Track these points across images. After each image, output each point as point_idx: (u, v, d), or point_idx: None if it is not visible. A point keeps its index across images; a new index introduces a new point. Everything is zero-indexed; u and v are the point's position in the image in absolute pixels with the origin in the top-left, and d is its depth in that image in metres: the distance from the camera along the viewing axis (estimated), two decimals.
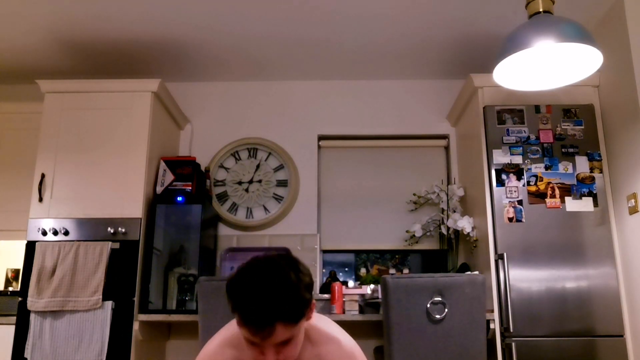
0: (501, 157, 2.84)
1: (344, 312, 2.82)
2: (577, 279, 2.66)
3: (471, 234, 3.05)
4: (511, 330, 2.58)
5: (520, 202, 2.77)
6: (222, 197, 3.51)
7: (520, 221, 2.74)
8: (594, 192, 2.77)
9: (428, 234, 3.35)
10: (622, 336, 2.60)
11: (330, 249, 3.51)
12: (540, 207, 2.76)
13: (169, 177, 3.09)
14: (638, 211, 2.57)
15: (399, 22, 3.06)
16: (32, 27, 3.06)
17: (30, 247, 2.85)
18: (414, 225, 3.32)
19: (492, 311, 2.67)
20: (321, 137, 3.62)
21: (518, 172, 2.81)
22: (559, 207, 2.75)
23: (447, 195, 3.30)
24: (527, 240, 2.72)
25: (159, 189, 3.07)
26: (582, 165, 2.81)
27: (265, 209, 3.49)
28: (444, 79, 3.67)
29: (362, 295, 2.91)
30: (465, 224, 3.05)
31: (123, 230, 2.87)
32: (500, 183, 2.81)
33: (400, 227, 3.47)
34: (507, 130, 2.88)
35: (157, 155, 3.15)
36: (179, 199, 3.04)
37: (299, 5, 2.88)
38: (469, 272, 2.97)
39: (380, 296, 2.69)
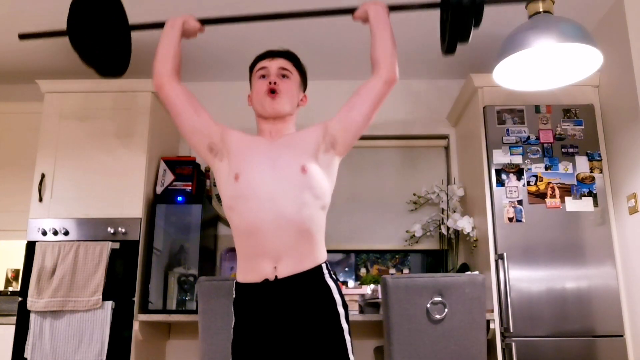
0: (501, 157, 2.84)
1: None
2: (577, 279, 2.66)
3: (471, 234, 3.05)
4: (511, 330, 2.58)
5: (520, 202, 2.77)
6: None
7: (520, 221, 2.74)
8: (594, 192, 2.77)
9: (428, 234, 3.34)
10: (622, 336, 2.60)
11: (330, 249, 3.49)
12: (540, 207, 2.76)
13: (169, 177, 3.09)
14: (638, 211, 2.57)
15: (399, 22, 3.06)
16: (32, 27, 3.05)
17: (30, 247, 2.85)
18: (414, 225, 3.31)
19: (492, 311, 2.67)
20: None
21: (518, 172, 2.81)
22: (559, 207, 2.75)
23: (447, 195, 3.30)
24: (527, 240, 2.72)
25: (159, 189, 3.07)
26: (582, 165, 2.81)
27: None
28: (444, 79, 3.67)
29: (362, 295, 2.91)
30: (465, 224, 3.05)
31: (123, 230, 2.87)
32: (500, 183, 2.81)
33: (400, 227, 3.46)
34: (507, 130, 2.88)
35: (157, 155, 3.15)
36: (179, 199, 3.04)
37: (298, 5, 2.88)
38: (469, 272, 2.97)
39: (380, 296, 2.69)
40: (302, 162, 1.66)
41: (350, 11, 1.84)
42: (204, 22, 1.89)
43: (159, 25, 1.90)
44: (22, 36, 1.90)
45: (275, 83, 1.74)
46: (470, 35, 1.76)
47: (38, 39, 1.98)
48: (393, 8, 1.83)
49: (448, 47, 1.82)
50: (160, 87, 1.77)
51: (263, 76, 1.78)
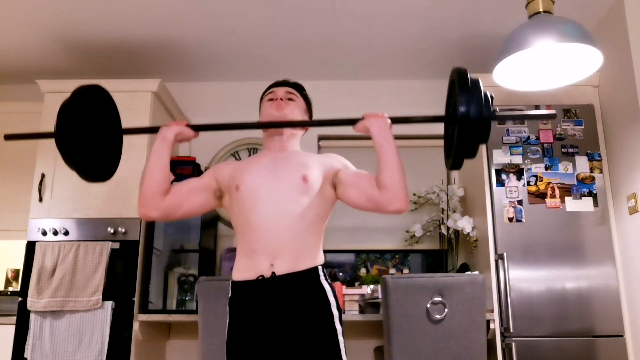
0: (501, 157, 2.84)
1: (344, 312, 2.82)
2: (577, 279, 2.66)
3: (471, 234, 3.05)
4: (511, 330, 2.58)
5: (520, 202, 2.77)
6: None
7: (520, 221, 2.74)
8: (594, 192, 2.77)
9: (428, 234, 3.34)
10: (622, 336, 2.60)
11: (330, 249, 3.49)
12: (540, 207, 2.76)
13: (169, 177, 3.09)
14: (638, 211, 2.57)
15: (399, 22, 3.06)
16: (32, 27, 3.06)
17: (30, 247, 2.85)
18: (414, 225, 3.31)
19: (492, 311, 2.67)
20: (321, 137, 3.62)
21: (518, 172, 2.81)
22: (559, 207, 2.75)
23: (447, 195, 3.30)
24: (527, 240, 2.72)
25: None
26: (582, 165, 2.81)
27: None
28: (444, 79, 3.64)
29: (362, 295, 2.91)
30: (465, 224, 3.05)
31: (123, 230, 2.87)
32: (500, 183, 2.81)
33: (400, 227, 3.46)
34: (507, 130, 2.88)
35: None
36: None
37: (299, 5, 2.88)
38: (469, 272, 2.97)
39: (380, 296, 2.69)
40: (304, 172, 1.70)
41: (351, 122, 1.76)
42: (198, 128, 1.81)
43: (152, 130, 1.83)
44: (8, 137, 1.77)
45: (281, 99, 1.83)
46: (477, 151, 1.66)
47: (24, 140, 1.87)
48: (395, 121, 1.78)
49: (454, 163, 1.71)
50: (147, 217, 1.72)
51: (271, 99, 1.85)
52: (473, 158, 1.68)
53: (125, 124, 3.10)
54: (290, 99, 1.85)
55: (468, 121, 1.58)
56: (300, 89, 1.92)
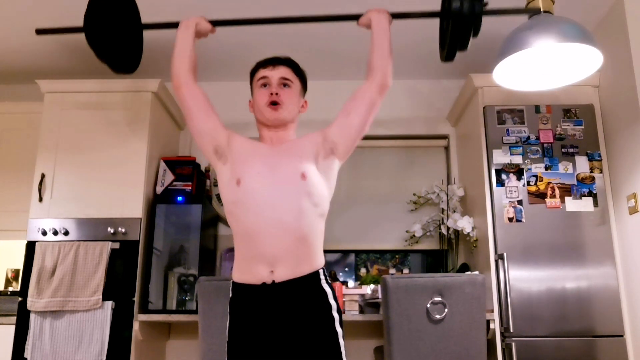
0: (501, 157, 2.84)
1: (344, 312, 2.82)
2: (577, 279, 2.66)
3: (471, 234, 3.05)
4: (511, 330, 2.58)
5: (520, 202, 2.77)
6: None
7: (520, 221, 2.74)
8: (594, 192, 2.77)
9: (428, 234, 3.34)
10: (622, 336, 2.60)
11: (330, 249, 3.50)
12: (540, 207, 2.76)
13: (169, 177, 3.09)
14: (638, 211, 2.57)
15: (399, 22, 3.06)
16: (32, 27, 3.05)
17: (30, 247, 2.85)
18: (414, 225, 3.31)
19: (492, 311, 2.67)
20: None
21: (518, 172, 2.81)
22: (559, 207, 2.75)
23: (447, 195, 3.30)
24: (527, 240, 2.72)
25: (159, 189, 3.07)
26: (582, 165, 2.81)
27: None
28: (444, 79, 3.67)
29: (362, 295, 2.91)
30: (465, 224, 3.05)
31: (123, 230, 2.87)
32: (500, 183, 2.81)
33: (400, 227, 3.46)
34: (507, 130, 2.88)
35: (157, 155, 3.14)
36: (179, 199, 3.04)
37: (298, 5, 2.88)
38: (469, 272, 2.97)
39: (380, 296, 2.69)
40: (302, 169, 1.69)
41: (355, 17, 1.92)
42: (215, 23, 1.96)
43: (170, 25, 1.97)
44: (39, 31, 1.96)
45: (276, 94, 1.77)
46: (469, 43, 1.84)
47: (55, 34, 2.07)
48: (395, 16, 1.92)
49: (447, 54, 1.90)
50: (178, 88, 1.82)
51: (264, 85, 1.81)
52: (465, 50, 1.88)
53: (125, 123, 3.11)
54: (285, 85, 1.81)
55: (462, 15, 1.76)
56: (294, 67, 1.85)
